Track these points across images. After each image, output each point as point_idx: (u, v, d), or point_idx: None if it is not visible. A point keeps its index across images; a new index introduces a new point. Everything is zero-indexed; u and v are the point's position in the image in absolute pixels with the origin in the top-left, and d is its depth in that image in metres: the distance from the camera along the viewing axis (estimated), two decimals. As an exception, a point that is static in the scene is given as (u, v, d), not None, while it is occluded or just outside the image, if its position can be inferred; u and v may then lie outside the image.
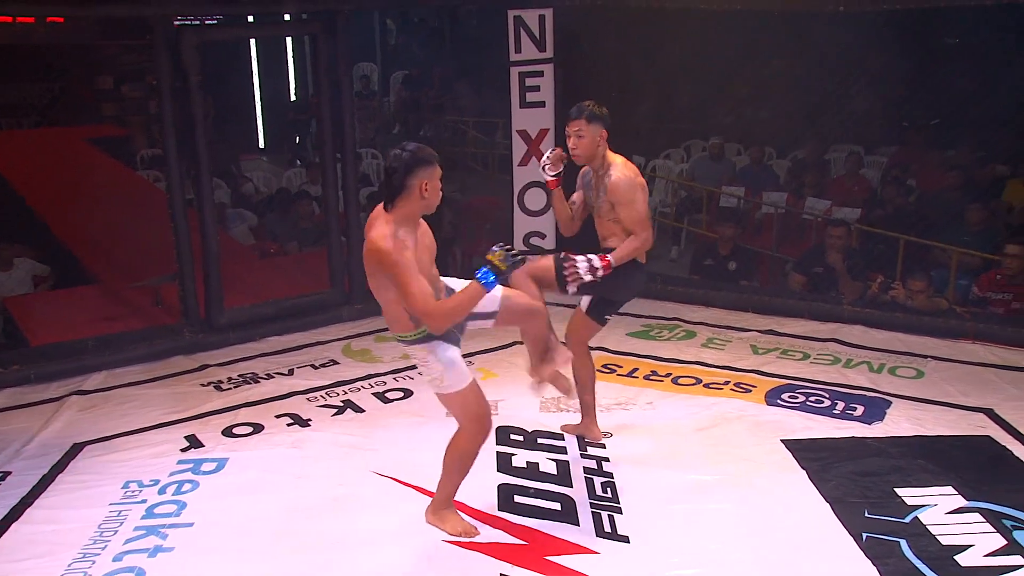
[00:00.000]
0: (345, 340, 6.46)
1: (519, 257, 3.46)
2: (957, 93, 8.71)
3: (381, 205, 3.54)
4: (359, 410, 5.32)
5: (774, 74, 8.75)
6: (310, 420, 5.19)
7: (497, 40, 7.13)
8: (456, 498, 4.12)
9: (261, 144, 13.14)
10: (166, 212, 6.12)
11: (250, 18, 7.65)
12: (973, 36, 9.03)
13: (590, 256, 4.31)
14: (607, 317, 4.59)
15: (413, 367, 5.86)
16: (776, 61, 8.78)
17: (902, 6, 6.87)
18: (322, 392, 5.58)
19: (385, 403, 5.41)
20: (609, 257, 4.29)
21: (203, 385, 5.75)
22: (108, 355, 6.04)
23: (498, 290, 3.80)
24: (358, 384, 5.69)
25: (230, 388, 5.68)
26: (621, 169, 4.35)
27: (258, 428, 5.11)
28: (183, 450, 4.86)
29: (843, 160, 9.07)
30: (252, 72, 13.03)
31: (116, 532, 4.05)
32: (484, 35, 8.81)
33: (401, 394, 5.51)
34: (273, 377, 5.84)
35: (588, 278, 4.29)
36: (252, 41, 12.72)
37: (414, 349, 3.69)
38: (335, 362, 6.08)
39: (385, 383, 5.69)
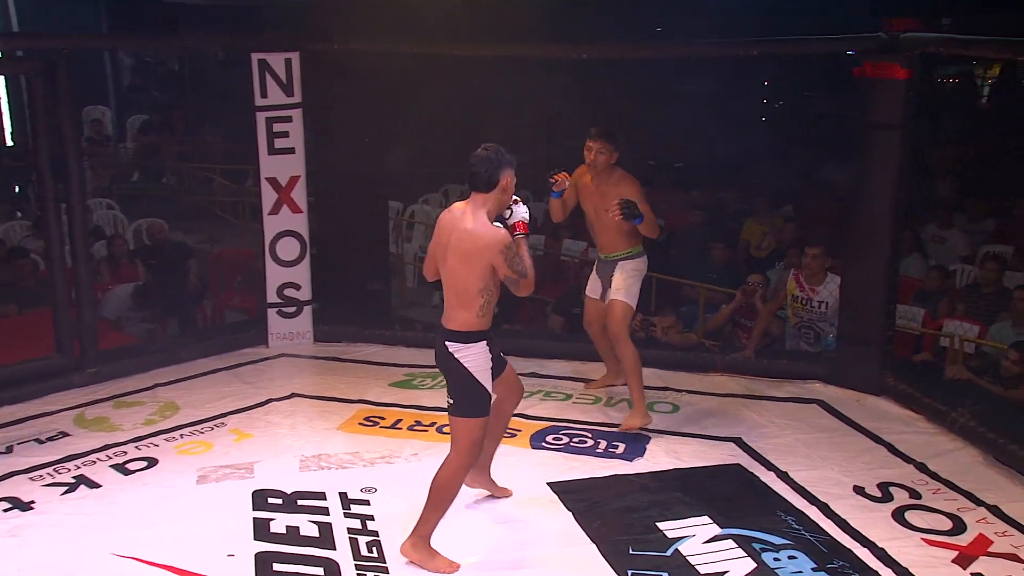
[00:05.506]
0: (78, 409, 5.79)
1: None
2: (697, 137, 9.30)
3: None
4: (94, 485, 4.78)
5: (528, 118, 8.95)
6: (33, 503, 4.59)
7: (242, 84, 6.80)
8: (204, 572, 3.86)
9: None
10: None
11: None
12: (708, 85, 9.70)
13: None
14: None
15: (158, 433, 5.44)
16: (529, 105, 9.00)
17: (639, 55, 7.21)
18: (49, 469, 4.96)
19: (126, 475, 4.90)
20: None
21: None
22: None
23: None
24: (93, 456, 5.11)
25: (-71, 475, 4.93)
26: None
27: (-36, 520, 4.44)
28: None
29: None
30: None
31: None
32: (228, 79, 8.43)
33: (144, 463, 5.02)
34: (-13, 457, 5.15)
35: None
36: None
37: None
38: (65, 434, 5.42)
39: (126, 452, 5.16)
